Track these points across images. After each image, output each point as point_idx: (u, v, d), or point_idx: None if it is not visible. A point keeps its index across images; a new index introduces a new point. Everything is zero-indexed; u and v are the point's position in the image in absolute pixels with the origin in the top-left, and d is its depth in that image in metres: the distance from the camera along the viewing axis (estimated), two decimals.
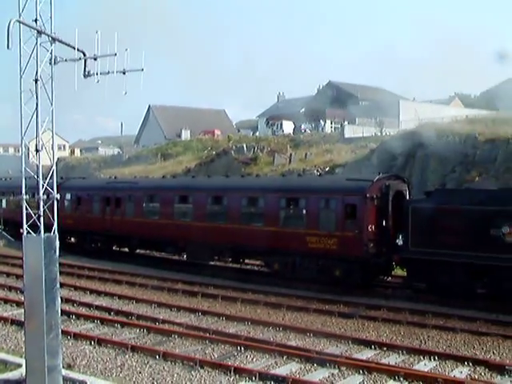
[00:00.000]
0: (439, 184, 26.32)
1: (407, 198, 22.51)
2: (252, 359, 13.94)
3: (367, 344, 15.09)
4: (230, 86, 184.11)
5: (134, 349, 14.41)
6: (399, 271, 22.77)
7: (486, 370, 13.20)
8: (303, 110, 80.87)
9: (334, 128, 66.00)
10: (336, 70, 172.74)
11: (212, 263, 27.78)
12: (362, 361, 13.64)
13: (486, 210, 19.18)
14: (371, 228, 21.58)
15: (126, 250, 32.02)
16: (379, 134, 48.65)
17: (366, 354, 14.34)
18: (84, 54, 11.52)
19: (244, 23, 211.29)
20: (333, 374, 12.84)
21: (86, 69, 11.67)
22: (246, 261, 27.36)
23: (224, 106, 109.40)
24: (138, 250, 31.84)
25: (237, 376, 12.65)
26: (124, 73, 11.64)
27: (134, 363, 13.52)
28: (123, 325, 17.00)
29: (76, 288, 22.70)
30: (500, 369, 13.10)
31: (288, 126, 68.55)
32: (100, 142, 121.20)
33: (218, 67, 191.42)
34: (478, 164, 32.27)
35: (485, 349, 14.96)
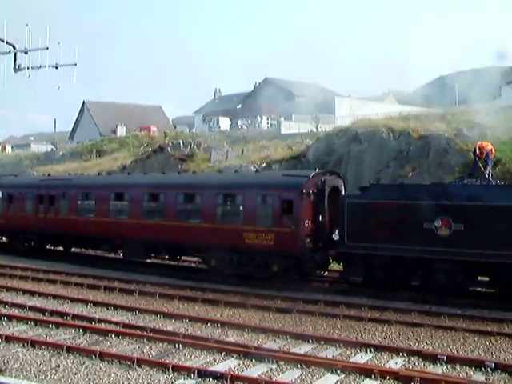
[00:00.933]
0: (374, 179, 26.74)
1: (343, 193, 22.83)
2: (190, 356, 13.85)
3: (305, 338, 15.21)
4: (166, 82, 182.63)
5: (69, 349, 14.08)
6: (336, 266, 23.07)
7: (420, 359, 13.54)
8: (240, 106, 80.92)
9: (271, 124, 66.22)
10: (273, 66, 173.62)
11: (149, 261, 27.51)
12: (299, 355, 13.74)
13: (419, 205, 19.63)
14: (308, 223, 21.78)
15: (61, 248, 31.36)
16: (315, 130, 49.03)
17: (304, 348, 14.47)
18: (14, 48, 11.20)
19: (179, 19, 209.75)
20: (271, 369, 12.89)
21: (17, 63, 11.35)
22: (184, 258, 27.19)
23: (160, 103, 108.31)
24: (72, 249, 31.24)
25: (175, 374, 12.55)
26: (56, 67, 11.39)
27: (70, 364, 13.23)
28: (58, 325, 16.58)
29: (8, 289, 22.04)
30: (432, 358, 13.46)
31: (224, 123, 68.47)
32: (32, 138, 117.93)
33: (155, 63, 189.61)
34: (411, 160, 32.96)
35: (418, 339, 15.33)
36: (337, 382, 12.17)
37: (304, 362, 13.09)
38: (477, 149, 22.22)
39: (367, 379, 12.19)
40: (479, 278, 19.82)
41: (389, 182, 29.97)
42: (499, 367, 12.86)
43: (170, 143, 50.90)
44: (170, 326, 16.76)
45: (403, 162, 33.22)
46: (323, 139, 38.28)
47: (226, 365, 13.18)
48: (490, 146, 22.48)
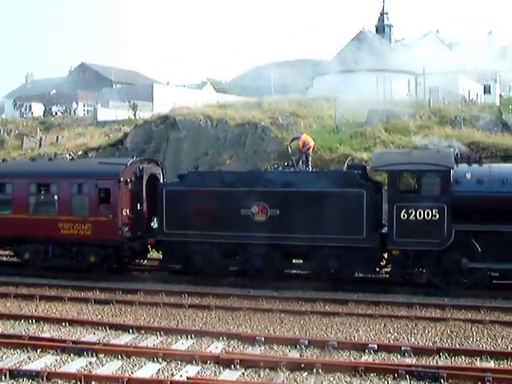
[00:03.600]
0: (192, 166, 26.92)
1: (161, 181, 22.74)
2: (2, 357, 13.05)
3: (125, 329, 14.98)
4: None
5: None
6: (155, 254, 22.98)
7: (239, 342, 13.87)
8: (54, 91, 77.80)
9: (87, 111, 64.45)
10: (91, 51, 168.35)
11: None
12: (120, 346, 13.52)
13: (236, 191, 20.06)
14: (126, 212, 21.46)
15: None
16: (133, 117, 48.55)
17: (124, 339, 14.25)
18: None
19: None
20: (91, 363, 12.54)
21: None
22: None
23: None
24: None
25: None
26: None
27: None
28: None
29: None
30: (251, 340, 13.85)
31: (38, 108, 65.57)
32: None
33: None
34: (228, 147, 33.70)
35: (238, 323, 15.70)
36: (158, 370, 12.11)
37: (124, 352, 12.88)
38: (300, 142, 22.85)
39: (188, 365, 12.26)
40: (294, 261, 20.71)
41: (207, 169, 30.40)
42: (312, 343, 13.54)
43: None
44: None
45: (221, 149, 33.89)
46: (141, 126, 37.98)
47: (42, 362, 12.61)
48: (312, 143, 23.15)
